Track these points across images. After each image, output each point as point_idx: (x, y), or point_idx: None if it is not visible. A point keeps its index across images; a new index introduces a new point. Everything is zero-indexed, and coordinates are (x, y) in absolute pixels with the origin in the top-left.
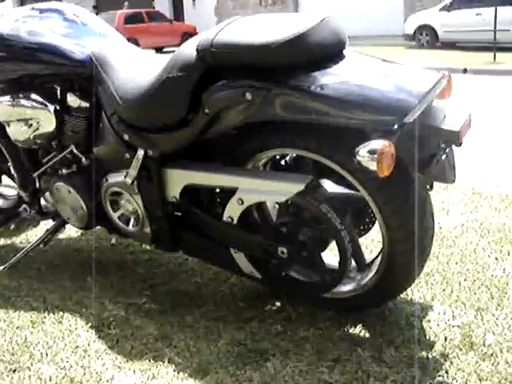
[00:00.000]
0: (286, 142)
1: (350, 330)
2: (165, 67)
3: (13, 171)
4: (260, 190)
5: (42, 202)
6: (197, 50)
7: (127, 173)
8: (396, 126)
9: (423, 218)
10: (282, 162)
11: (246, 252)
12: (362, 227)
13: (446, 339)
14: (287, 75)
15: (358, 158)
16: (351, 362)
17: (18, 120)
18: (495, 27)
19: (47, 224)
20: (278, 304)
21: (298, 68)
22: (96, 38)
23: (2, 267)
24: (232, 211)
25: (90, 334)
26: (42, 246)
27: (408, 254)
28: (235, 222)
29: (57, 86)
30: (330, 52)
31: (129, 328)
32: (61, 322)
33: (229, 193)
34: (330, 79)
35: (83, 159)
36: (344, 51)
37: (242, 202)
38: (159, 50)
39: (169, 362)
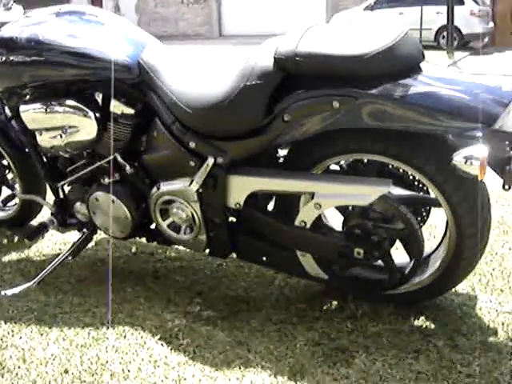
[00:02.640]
0: (364, 148)
1: (416, 323)
2: (241, 75)
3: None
4: (340, 195)
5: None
6: (276, 58)
7: (192, 180)
8: (486, 132)
9: (487, 214)
10: (337, 168)
11: (318, 254)
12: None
13: (503, 324)
14: (374, 84)
15: (456, 162)
16: (431, 352)
17: (53, 128)
18: (421, 26)
19: (53, 235)
20: (335, 303)
21: (385, 77)
22: (138, 43)
23: (32, 282)
24: (307, 215)
25: (162, 347)
26: (69, 258)
27: (474, 248)
28: (308, 225)
29: (99, 92)
30: (412, 63)
31: (198, 337)
32: (125, 336)
33: (295, 198)
34: (416, 88)
35: (127, 167)
36: (423, 62)
37: (320, 207)
38: None
39: (259, 366)
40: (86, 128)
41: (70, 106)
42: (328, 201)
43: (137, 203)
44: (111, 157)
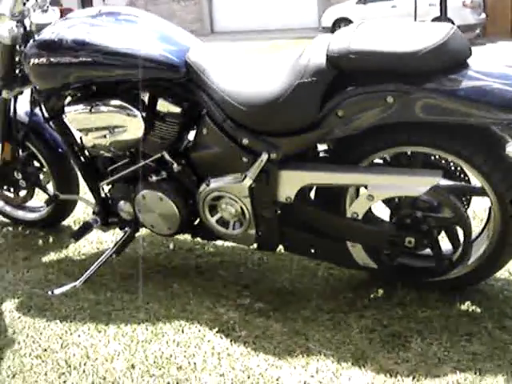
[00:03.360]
0: (413, 140)
1: (462, 307)
2: (295, 73)
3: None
4: (393, 186)
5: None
6: (328, 56)
7: (244, 176)
8: None
9: None
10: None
11: (370, 244)
12: None
13: None
14: (427, 79)
15: (510, 153)
16: (482, 334)
17: (99, 127)
18: (415, 19)
19: None
20: (381, 291)
21: (436, 72)
22: (183, 43)
23: (78, 282)
24: (359, 207)
25: (221, 339)
26: (113, 256)
27: None
28: (360, 217)
29: (145, 92)
30: (461, 58)
31: (255, 328)
32: (182, 330)
33: (342, 191)
34: (467, 82)
35: (175, 165)
36: (471, 57)
37: (372, 198)
38: None
39: (321, 354)
40: (133, 127)
41: (117, 106)
42: (381, 192)
43: (184, 200)
44: (156, 156)
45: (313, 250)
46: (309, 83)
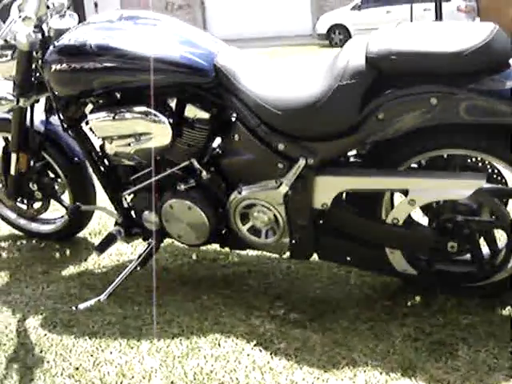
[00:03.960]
0: (454, 143)
1: (503, 312)
2: (333, 76)
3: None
4: (436, 190)
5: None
6: (368, 57)
7: (280, 183)
8: None
9: None
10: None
11: (411, 250)
12: None
13: None
14: (470, 80)
15: None
16: None
17: (125, 135)
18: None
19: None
20: (418, 298)
21: (480, 73)
22: (211, 47)
23: (103, 296)
24: (399, 213)
25: (260, 352)
26: (138, 269)
27: None
28: (401, 222)
29: (172, 98)
30: (504, 58)
31: (293, 340)
32: (219, 344)
33: (379, 196)
34: (511, 83)
35: (204, 173)
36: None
37: (414, 203)
38: None
39: (367, 365)
40: (160, 134)
41: (143, 113)
42: (423, 197)
43: (214, 209)
44: (183, 163)
45: (349, 258)
46: (348, 86)
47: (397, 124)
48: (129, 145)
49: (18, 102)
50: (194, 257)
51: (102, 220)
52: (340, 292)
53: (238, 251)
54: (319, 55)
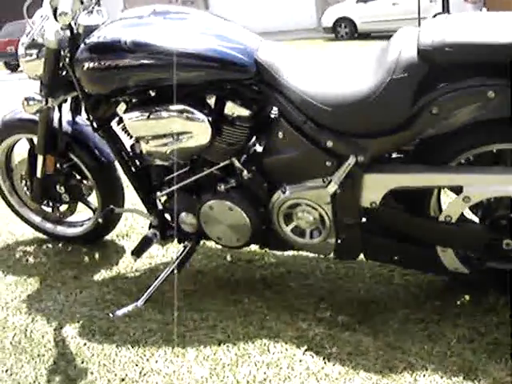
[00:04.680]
0: (507, 137)
1: None
2: (385, 69)
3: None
4: (493, 186)
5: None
6: (420, 50)
7: (329, 181)
8: None
9: None
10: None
11: (464, 249)
12: None
13: None
14: None
15: None
16: None
17: (162, 135)
18: (419, 15)
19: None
20: (468, 297)
21: None
22: (251, 41)
23: (141, 301)
24: (453, 210)
25: (312, 358)
26: (175, 272)
27: None
28: (454, 220)
29: (210, 95)
30: None
31: (344, 344)
32: (268, 350)
33: (427, 193)
34: None
35: (245, 172)
36: None
37: (469, 200)
38: None
39: (426, 369)
40: (200, 133)
41: (182, 111)
42: (479, 193)
43: (256, 209)
44: (226, 162)
45: (396, 257)
46: (401, 79)
47: (451, 119)
48: (166, 145)
49: (46, 102)
50: (229, 258)
51: (129, 222)
52: (385, 292)
53: (273, 252)
54: (326, 49)
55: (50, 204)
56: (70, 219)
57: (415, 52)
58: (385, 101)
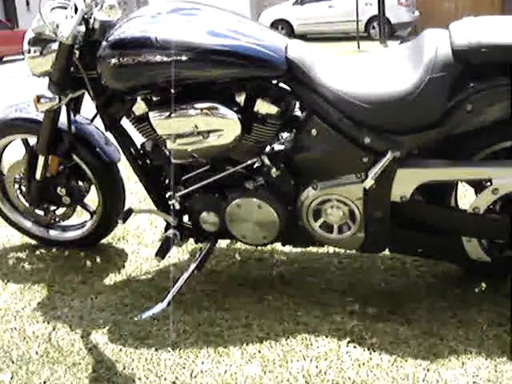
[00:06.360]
0: None
1: None
2: (423, 68)
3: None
4: None
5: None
6: (455, 50)
7: (365, 177)
8: None
9: None
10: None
11: (491, 238)
12: None
13: None
14: None
15: None
16: None
17: (191, 132)
18: (357, 17)
19: (135, 251)
20: (484, 285)
21: None
22: (280, 39)
23: (165, 303)
24: (482, 202)
25: (357, 350)
26: (195, 272)
27: None
28: (482, 211)
29: (240, 92)
30: None
31: (383, 334)
32: (311, 344)
33: (453, 185)
34: None
35: (273, 169)
36: None
37: (498, 192)
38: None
39: (470, 352)
40: (230, 131)
41: (212, 108)
42: (508, 185)
43: (285, 206)
44: (254, 159)
45: (420, 249)
46: (439, 78)
47: (483, 115)
48: (194, 143)
49: (60, 100)
50: (238, 257)
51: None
52: (405, 283)
53: (282, 249)
54: None
55: (43, 207)
56: (66, 223)
57: (450, 52)
58: (423, 98)
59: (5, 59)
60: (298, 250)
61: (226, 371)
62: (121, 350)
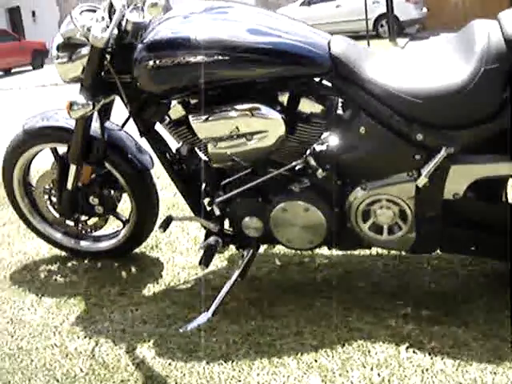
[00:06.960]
0: None
1: None
2: (477, 59)
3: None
4: None
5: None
6: (508, 39)
7: (418, 174)
8: None
9: None
10: None
11: None
12: None
13: None
14: None
15: None
16: None
17: (234, 135)
18: (366, 16)
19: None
20: None
21: None
22: (322, 36)
23: (210, 314)
24: None
25: (418, 355)
26: (239, 279)
27: None
28: None
29: (284, 91)
30: None
31: (440, 338)
32: (368, 351)
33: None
34: None
35: (319, 170)
36: None
37: None
38: (8, 71)
39: None
40: (274, 132)
41: (255, 109)
42: None
43: (332, 208)
44: (299, 161)
45: (473, 248)
46: (493, 70)
47: None
48: (237, 145)
49: (94, 106)
50: (278, 262)
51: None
52: (455, 283)
53: (322, 253)
54: None
55: (74, 218)
56: (97, 233)
57: (502, 42)
58: (478, 91)
59: (13, 70)
60: (340, 253)
61: (285, 382)
62: (170, 364)
